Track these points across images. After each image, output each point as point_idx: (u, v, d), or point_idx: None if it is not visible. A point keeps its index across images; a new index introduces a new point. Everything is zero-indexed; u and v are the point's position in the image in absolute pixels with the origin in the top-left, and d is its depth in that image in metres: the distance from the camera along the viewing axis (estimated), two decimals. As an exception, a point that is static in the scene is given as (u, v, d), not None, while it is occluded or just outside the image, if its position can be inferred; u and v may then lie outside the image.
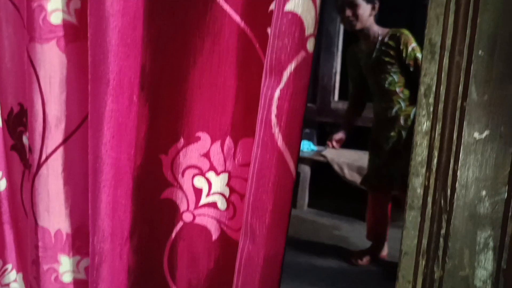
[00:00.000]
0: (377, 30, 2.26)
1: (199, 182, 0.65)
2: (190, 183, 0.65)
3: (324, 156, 3.25)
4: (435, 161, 0.55)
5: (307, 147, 3.50)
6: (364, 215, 3.16)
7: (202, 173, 0.65)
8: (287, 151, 0.50)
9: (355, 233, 2.99)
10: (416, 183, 0.57)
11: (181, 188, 0.66)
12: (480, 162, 0.53)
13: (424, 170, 0.56)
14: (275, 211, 0.51)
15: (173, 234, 0.67)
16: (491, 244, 0.54)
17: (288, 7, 0.48)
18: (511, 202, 0.52)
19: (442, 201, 0.56)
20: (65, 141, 0.77)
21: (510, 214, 0.53)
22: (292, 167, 0.51)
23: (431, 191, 0.56)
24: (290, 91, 0.49)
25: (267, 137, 0.50)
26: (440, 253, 0.55)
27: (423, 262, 0.56)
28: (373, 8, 2.23)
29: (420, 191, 0.57)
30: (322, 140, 3.80)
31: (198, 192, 0.65)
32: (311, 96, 3.76)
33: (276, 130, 0.50)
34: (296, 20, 0.48)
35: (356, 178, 3.00)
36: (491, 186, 0.53)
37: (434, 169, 0.56)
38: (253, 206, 0.52)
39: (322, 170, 3.30)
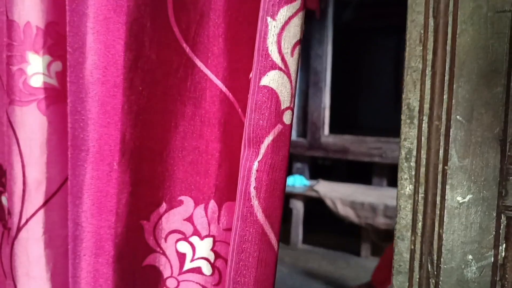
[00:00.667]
0: None
1: (183, 247, 0.63)
2: (173, 248, 0.64)
3: (316, 191, 3.24)
4: (419, 224, 0.55)
5: (299, 181, 3.48)
6: (359, 250, 3.12)
7: (185, 238, 0.63)
8: (267, 224, 0.49)
9: (351, 269, 2.94)
10: (402, 247, 0.56)
11: (164, 253, 0.64)
12: (465, 226, 0.52)
13: (409, 234, 0.56)
14: (258, 286, 0.50)
15: (157, 302, 0.65)
16: (481, 309, 0.52)
17: (264, 81, 0.48)
18: (498, 266, 0.52)
19: (429, 266, 0.55)
20: (45, 203, 0.75)
21: (497, 278, 0.52)
22: (273, 240, 0.50)
23: (417, 255, 0.55)
24: (269, 163, 0.49)
25: (247, 210, 0.49)
26: (431, 318, 0.54)
27: (414, 331, 0.54)
28: None
29: (406, 255, 0.56)
30: (314, 174, 3.81)
31: (182, 257, 0.64)
32: (301, 131, 3.79)
33: (255, 203, 0.49)
34: (271, 94, 0.48)
35: (349, 213, 2.98)
36: (477, 250, 0.52)
37: (419, 233, 0.55)
38: (234, 281, 0.50)
39: (316, 205, 3.27)
